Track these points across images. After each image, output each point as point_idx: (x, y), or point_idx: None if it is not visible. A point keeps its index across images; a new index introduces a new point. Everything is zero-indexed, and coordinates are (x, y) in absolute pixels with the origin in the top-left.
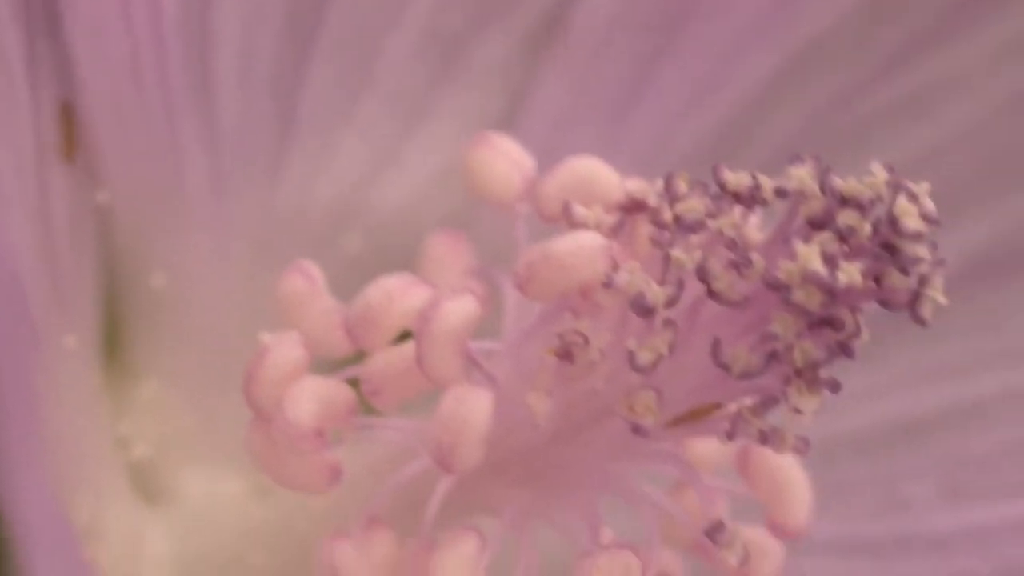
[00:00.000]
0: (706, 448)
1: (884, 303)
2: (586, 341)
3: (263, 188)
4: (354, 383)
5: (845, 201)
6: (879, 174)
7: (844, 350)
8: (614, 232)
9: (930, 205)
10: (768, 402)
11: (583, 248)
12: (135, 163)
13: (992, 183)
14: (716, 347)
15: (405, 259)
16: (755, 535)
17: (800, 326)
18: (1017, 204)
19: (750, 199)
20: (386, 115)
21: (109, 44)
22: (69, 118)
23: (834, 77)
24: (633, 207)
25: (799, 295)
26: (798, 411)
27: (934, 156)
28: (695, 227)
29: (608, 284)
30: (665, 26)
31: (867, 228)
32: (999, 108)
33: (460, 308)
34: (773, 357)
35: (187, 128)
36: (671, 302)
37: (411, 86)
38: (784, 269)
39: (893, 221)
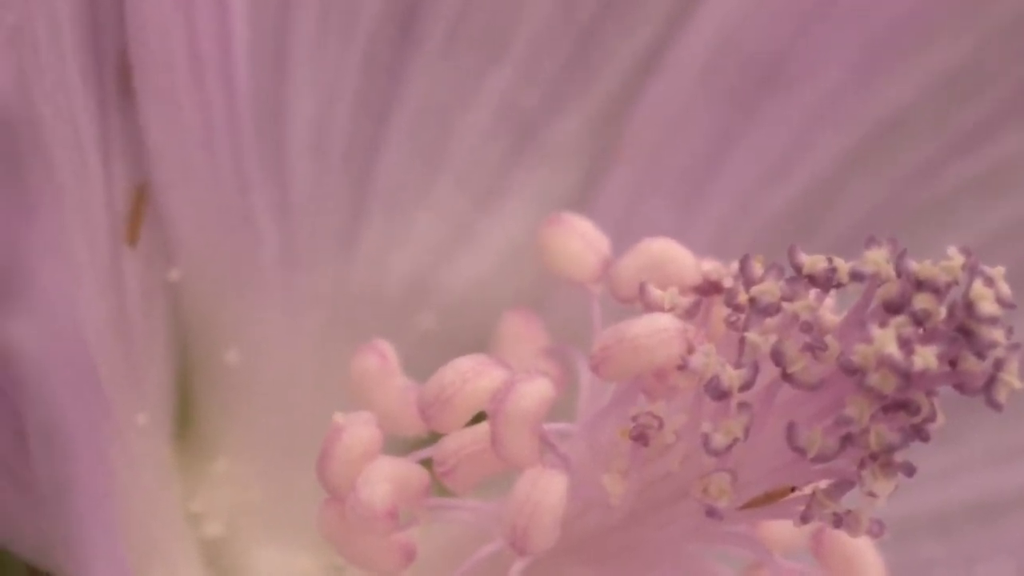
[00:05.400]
0: (781, 530)
1: (959, 387)
2: (661, 423)
3: (336, 263)
4: (428, 464)
5: (921, 285)
6: (955, 258)
7: (919, 434)
8: (689, 314)
9: (1006, 289)
10: (843, 485)
11: (658, 331)
12: (207, 237)
13: None
14: (791, 430)
15: (479, 337)
16: None
17: (875, 410)
18: None
19: (825, 282)
20: (460, 193)
21: (182, 115)
22: (138, 202)
23: (911, 154)
24: (709, 289)
25: (874, 379)
26: (873, 495)
27: (1013, 232)
28: (770, 310)
29: (683, 367)
30: (741, 103)
31: (942, 312)
32: None
33: (534, 390)
34: (848, 440)
35: (259, 201)
36: (746, 385)
37: (485, 164)
38: (859, 353)
39: (969, 305)
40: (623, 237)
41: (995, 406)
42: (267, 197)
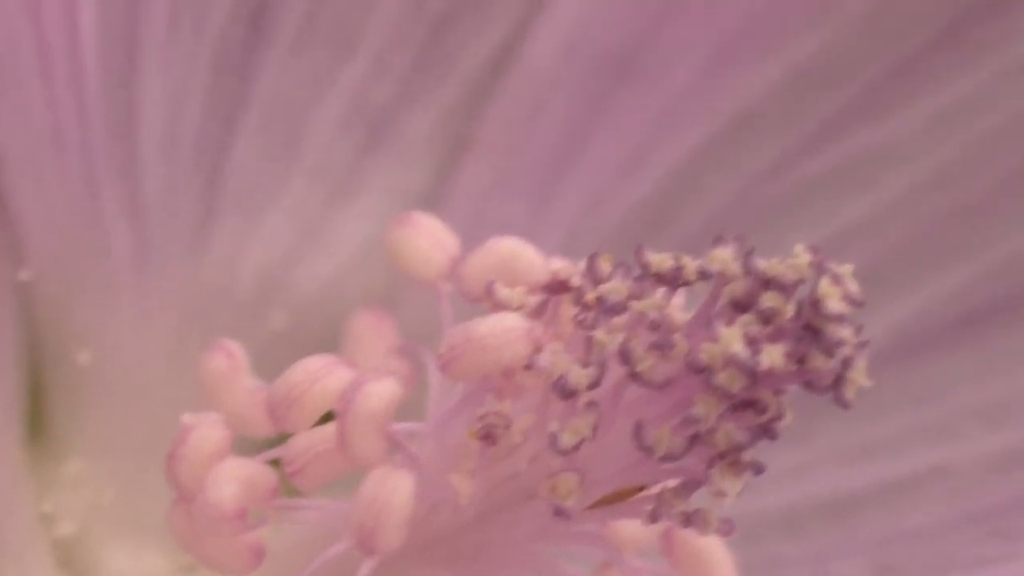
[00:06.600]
0: (631, 529)
1: (807, 385)
2: (508, 423)
3: (188, 262)
4: (277, 464)
5: (768, 283)
6: (802, 255)
7: (767, 432)
8: (537, 313)
9: (853, 287)
10: (691, 484)
11: (505, 330)
12: (58, 238)
13: (920, 257)
14: (639, 429)
15: (330, 336)
16: None
17: (722, 408)
18: (945, 278)
19: (673, 280)
20: (312, 190)
21: (32, 116)
22: None
23: (763, 150)
24: (556, 288)
25: (721, 378)
26: (721, 494)
27: (864, 229)
28: (618, 308)
29: (530, 366)
30: (594, 99)
31: (790, 310)
32: (928, 181)
33: (382, 390)
34: (696, 440)
35: (110, 201)
36: (593, 384)
37: (337, 160)
38: (706, 351)
39: (816, 303)
40: (475, 234)
41: (844, 404)
42: (118, 198)
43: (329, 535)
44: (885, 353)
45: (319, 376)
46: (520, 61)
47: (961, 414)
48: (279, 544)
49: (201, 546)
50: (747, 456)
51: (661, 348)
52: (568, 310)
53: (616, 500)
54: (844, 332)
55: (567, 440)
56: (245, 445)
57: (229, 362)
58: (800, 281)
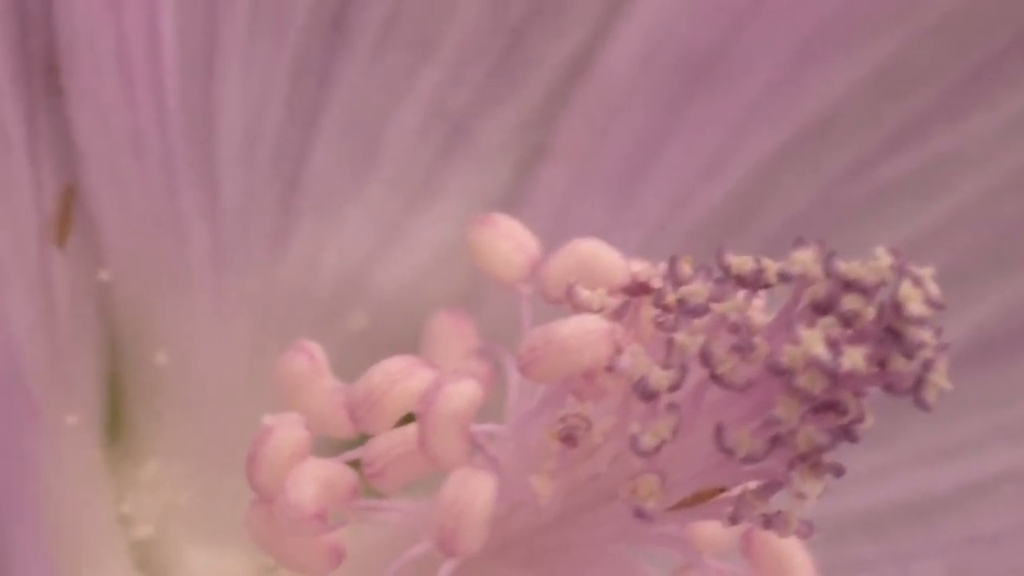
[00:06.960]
0: (710, 531)
1: (888, 388)
2: (589, 425)
3: (266, 264)
4: (357, 465)
5: (849, 285)
6: (883, 258)
7: (848, 435)
8: (618, 315)
9: (934, 289)
10: (772, 486)
11: (586, 332)
12: (137, 239)
13: (999, 259)
14: (719, 431)
15: (409, 337)
16: None
17: (803, 411)
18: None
19: (754, 283)
20: (390, 193)
21: (112, 118)
22: (66, 203)
23: (841, 152)
24: (637, 290)
25: (802, 380)
26: (801, 496)
27: (942, 232)
28: (699, 311)
29: (611, 368)
30: (673, 102)
31: (871, 313)
32: (1005, 184)
33: (463, 391)
34: (776, 441)
35: (189, 203)
36: (674, 386)
37: (416, 164)
38: (787, 354)
39: (897, 306)
40: (554, 236)
41: (924, 407)
42: (197, 200)
43: (409, 536)
44: (964, 355)
45: (399, 377)
46: (599, 63)
47: None
48: (359, 545)
49: (281, 547)
50: (828, 458)
51: (742, 350)
52: (649, 312)
53: (696, 502)
54: (925, 335)
55: (648, 442)
56: (325, 446)
57: (310, 363)
58: (881, 284)
